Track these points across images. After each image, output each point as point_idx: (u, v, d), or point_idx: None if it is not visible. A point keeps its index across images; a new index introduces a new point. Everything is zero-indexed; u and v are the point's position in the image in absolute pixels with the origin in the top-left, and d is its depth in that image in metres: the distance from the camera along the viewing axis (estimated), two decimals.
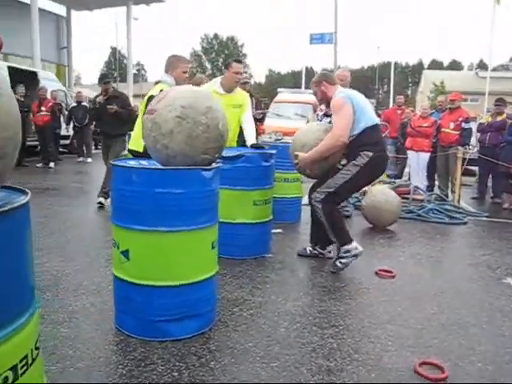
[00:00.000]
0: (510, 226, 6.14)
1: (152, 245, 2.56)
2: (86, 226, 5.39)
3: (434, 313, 3.17)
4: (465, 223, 6.12)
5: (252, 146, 4.65)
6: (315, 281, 3.70)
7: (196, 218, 2.60)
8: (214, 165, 2.75)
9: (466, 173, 9.42)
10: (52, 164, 10.91)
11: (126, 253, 2.61)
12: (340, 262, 3.89)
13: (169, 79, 4.29)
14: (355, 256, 3.87)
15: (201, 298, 2.70)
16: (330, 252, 4.29)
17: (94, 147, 14.32)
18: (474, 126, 8.99)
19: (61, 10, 25.75)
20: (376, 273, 3.91)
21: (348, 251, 3.86)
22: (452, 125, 7.74)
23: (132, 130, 4.66)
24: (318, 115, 6.33)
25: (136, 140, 4.16)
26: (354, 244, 3.90)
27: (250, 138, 4.80)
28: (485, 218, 6.58)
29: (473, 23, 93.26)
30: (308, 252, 4.34)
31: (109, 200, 5.96)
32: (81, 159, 12.31)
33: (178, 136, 2.57)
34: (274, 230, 5.03)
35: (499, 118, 7.89)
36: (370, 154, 3.78)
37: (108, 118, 6.48)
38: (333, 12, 13.10)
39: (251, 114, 5.08)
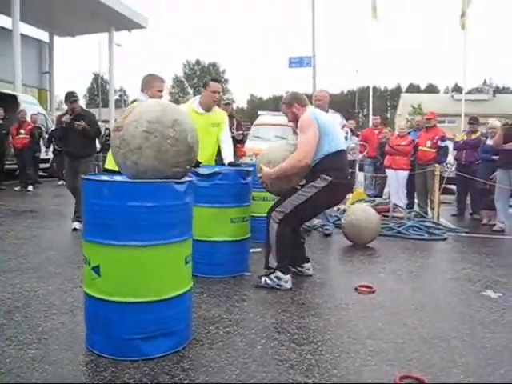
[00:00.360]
0: (489, 241, 6.18)
1: (124, 260, 2.49)
2: (62, 247, 5.26)
3: (414, 327, 3.12)
4: (444, 239, 6.13)
5: (229, 164, 4.63)
6: (294, 298, 3.63)
7: (169, 231, 2.54)
8: (186, 178, 2.72)
9: (445, 191, 9.52)
10: (30, 187, 10.75)
11: (96, 269, 2.53)
12: (265, 281, 3.85)
13: (144, 98, 4.25)
14: (280, 286, 3.81)
15: (175, 315, 2.62)
16: (308, 269, 4.25)
17: None
18: (451, 145, 9.12)
19: (43, 35, 25.88)
20: (356, 289, 3.85)
21: (279, 278, 3.83)
22: (429, 143, 7.84)
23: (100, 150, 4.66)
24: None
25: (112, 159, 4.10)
26: (288, 277, 3.86)
27: (228, 156, 4.80)
28: (464, 234, 6.61)
29: (447, 48, 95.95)
30: None
31: None
32: (61, 182, 12.11)
33: (147, 151, 2.53)
34: (253, 250, 4.97)
35: (474, 136, 8.05)
36: (330, 178, 3.77)
37: (75, 138, 6.19)
38: (311, 36, 13.36)
39: (229, 132, 5.08)
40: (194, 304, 3.38)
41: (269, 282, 3.84)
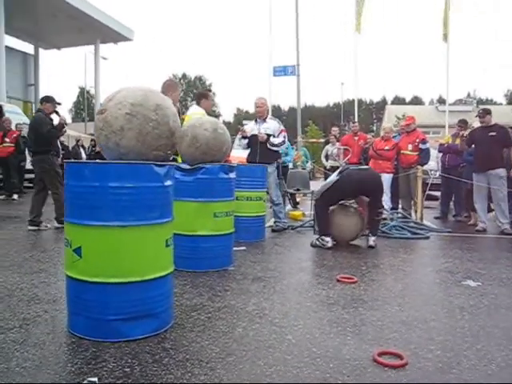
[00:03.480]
0: (470, 239, 6.27)
1: (105, 240, 2.51)
2: (46, 247, 5.24)
3: (394, 311, 3.16)
4: (427, 238, 6.21)
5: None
6: (277, 288, 3.66)
7: (149, 213, 2.57)
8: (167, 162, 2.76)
9: (429, 198, 9.65)
10: (15, 196, 10.68)
11: (78, 250, 2.54)
12: (315, 243, 5.46)
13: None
14: (324, 245, 5.36)
15: (156, 297, 2.64)
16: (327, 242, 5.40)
17: None
18: (433, 150, 9.28)
19: (29, 48, 25.86)
20: (338, 280, 3.90)
21: (323, 240, 5.41)
22: (410, 146, 7.96)
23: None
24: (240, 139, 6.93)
25: None
26: (329, 239, 5.40)
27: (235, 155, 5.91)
28: (447, 234, 6.70)
29: (432, 61, 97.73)
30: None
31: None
32: None
33: (129, 133, 2.58)
34: (237, 248, 5.01)
35: (457, 141, 8.14)
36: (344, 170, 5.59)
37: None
38: (295, 45, 13.52)
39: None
40: (176, 294, 3.41)
41: (317, 243, 5.43)
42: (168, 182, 2.70)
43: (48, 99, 6.61)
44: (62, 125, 6.60)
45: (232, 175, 4.36)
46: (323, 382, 2.13)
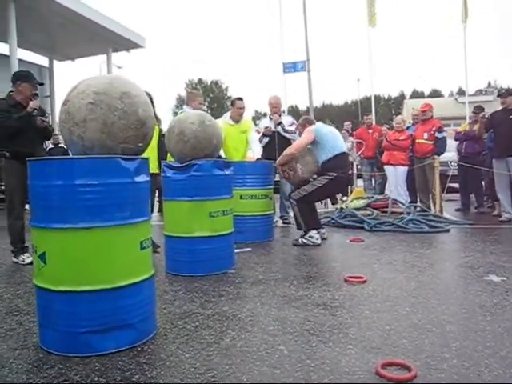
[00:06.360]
0: (494, 231, 5.84)
1: (70, 244, 2.24)
2: None
3: (405, 313, 2.82)
4: (447, 231, 5.81)
5: (258, 159, 6.02)
6: (277, 291, 3.34)
7: (118, 212, 2.29)
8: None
9: (449, 190, 9.19)
10: (27, 206, 10.58)
11: (42, 256, 2.29)
12: (302, 241, 5.14)
13: (188, 109, 5.24)
14: (313, 242, 5.07)
15: (132, 306, 2.36)
16: (324, 233, 5.45)
17: None
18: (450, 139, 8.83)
19: (43, 60, 26.07)
20: (345, 280, 3.57)
21: (311, 237, 5.10)
22: (426, 135, 7.51)
23: None
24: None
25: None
26: (318, 235, 5.13)
27: (256, 152, 6.15)
28: (468, 226, 6.28)
29: (449, 53, 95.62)
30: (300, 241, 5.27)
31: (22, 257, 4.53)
32: None
33: (92, 124, 2.31)
34: (241, 250, 4.73)
35: (475, 128, 7.70)
36: (334, 174, 5.03)
37: (29, 136, 4.44)
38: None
39: (256, 134, 6.36)
40: (166, 301, 3.15)
41: (304, 241, 5.12)
42: (140, 178, 2.41)
43: (22, 77, 4.47)
44: (29, 113, 4.35)
45: (228, 171, 4.06)
46: None
